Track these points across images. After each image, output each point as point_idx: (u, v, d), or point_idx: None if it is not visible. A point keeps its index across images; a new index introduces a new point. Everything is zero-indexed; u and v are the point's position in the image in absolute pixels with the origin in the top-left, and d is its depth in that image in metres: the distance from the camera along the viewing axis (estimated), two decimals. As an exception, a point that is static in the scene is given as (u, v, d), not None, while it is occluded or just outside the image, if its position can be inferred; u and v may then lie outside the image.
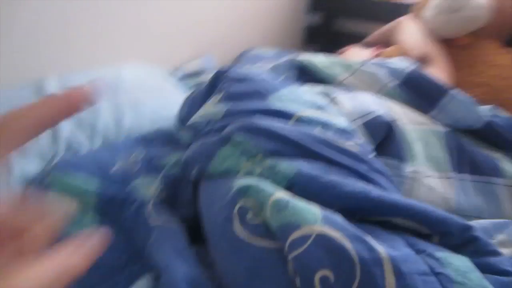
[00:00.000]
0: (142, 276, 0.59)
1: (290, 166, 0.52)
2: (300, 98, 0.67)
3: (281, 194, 0.47)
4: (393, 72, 0.82)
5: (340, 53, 1.40)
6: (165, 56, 1.37)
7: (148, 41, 1.28)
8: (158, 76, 1.14)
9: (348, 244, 0.41)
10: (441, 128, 0.74)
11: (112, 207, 0.67)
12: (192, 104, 0.85)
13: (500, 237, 0.54)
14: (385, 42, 1.41)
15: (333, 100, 0.71)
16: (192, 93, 0.89)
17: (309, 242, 0.42)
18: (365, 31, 1.76)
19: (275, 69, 0.89)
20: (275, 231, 0.44)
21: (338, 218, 0.44)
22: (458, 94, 0.75)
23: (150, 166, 0.76)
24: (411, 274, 0.39)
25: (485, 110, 0.79)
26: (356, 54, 1.31)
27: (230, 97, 0.67)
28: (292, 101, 0.66)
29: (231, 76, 0.71)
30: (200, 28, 1.45)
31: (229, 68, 0.75)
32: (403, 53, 1.26)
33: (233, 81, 0.70)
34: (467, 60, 1.22)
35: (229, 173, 0.56)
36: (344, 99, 0.72)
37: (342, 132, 0.61)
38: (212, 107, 0.68)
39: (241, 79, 0.70)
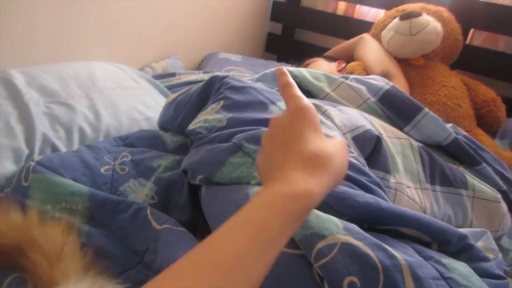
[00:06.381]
0: (142, 280, 0.59)
1: (303, 176, 0.55)
2: (298, 110, 0.70)
3: None
4: (372, 89, 0.87)
5: (305, 65, 1.46)
6: (131, 56, 1.35)
7: (115, 40, 1.26)
8: (130, 75, 1.12)
9: (370, 252, 0.45)
10: (414, 143, 0.81)
11: (104, 210, 0.65)
12: (179, 108, 0.84)
13: (479, 244, 0.62)
14: (347, 57, 1.49)
15: (324, 113, 0.75)
16: (177, 97, 0.88)
17: (335, 250, 0.45)
18: (324, 43, 1.85)
19: (262, 78, 0.91)
20: (300, 241, 0.47)
21: (356, 228, 0.48)
22: (430, 113, 0.83)
23: (139, 170, 0.75)
24: (426, 278, 0.44)
25: (449, 128, 0.87)
26: (322, 66, 1.36)
27: (231, 106, 0.69)
28: (291, 113, 0.69)
29: (230, 85, 0.72)
30: (166, 30, 1.44)
31: (224, 76, 0.76)
32: (365, 68, 1.34)
33: (232, 90, 0.72)
34: (420, 80, 1.33)
35: (240, 181, 0.58)
36: (334, 112, 0.76)
37: (340, 145, 0.65)
38: (213, 115, 0.69)
39: (240, 89, 0.72)
